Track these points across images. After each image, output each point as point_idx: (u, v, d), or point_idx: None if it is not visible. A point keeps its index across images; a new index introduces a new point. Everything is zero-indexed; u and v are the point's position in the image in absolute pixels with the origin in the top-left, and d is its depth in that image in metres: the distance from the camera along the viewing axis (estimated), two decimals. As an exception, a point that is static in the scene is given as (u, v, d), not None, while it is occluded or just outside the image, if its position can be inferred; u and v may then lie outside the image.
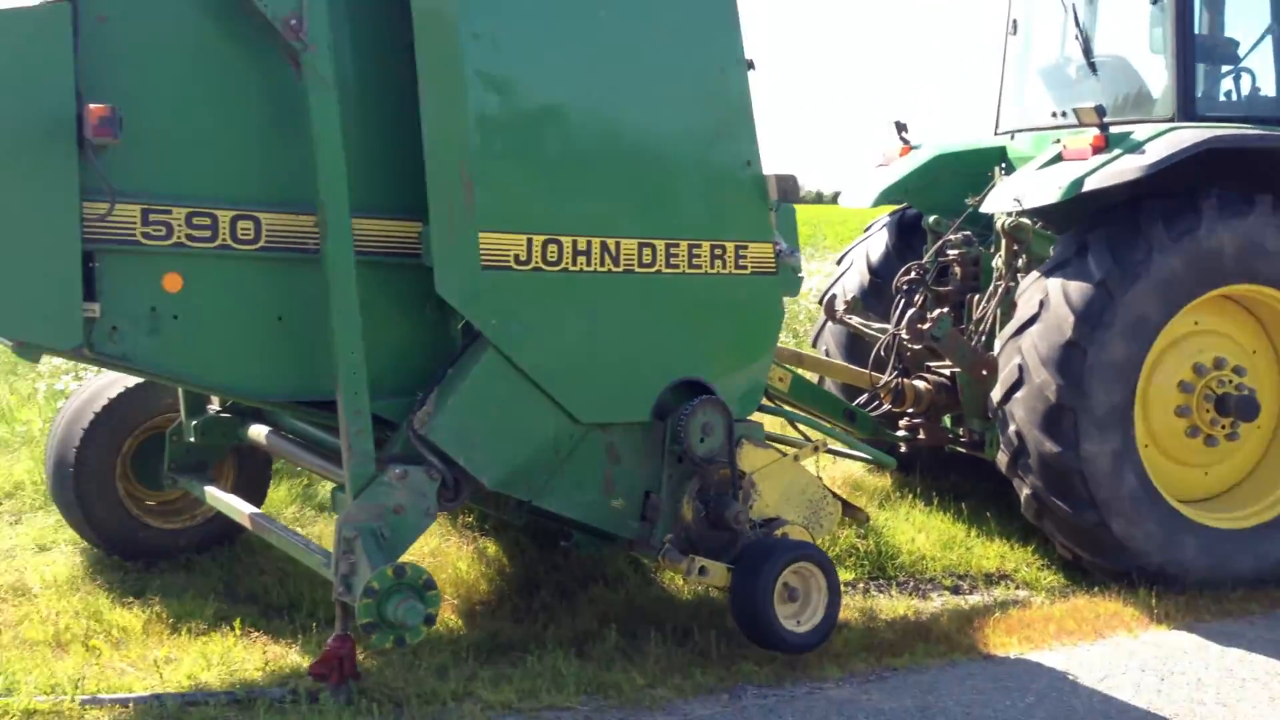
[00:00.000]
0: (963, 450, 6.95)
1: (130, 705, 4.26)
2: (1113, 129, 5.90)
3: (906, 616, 5.70)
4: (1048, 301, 5.77)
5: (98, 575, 5.48)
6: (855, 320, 6.97)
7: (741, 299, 4.87)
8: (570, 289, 4.49)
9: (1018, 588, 6.31)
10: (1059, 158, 6.00)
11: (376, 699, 4.32)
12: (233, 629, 4.93)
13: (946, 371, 6.76)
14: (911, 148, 7.39)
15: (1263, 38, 6.57)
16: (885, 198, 7.19)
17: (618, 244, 4.57)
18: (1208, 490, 6.31)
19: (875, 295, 7.25)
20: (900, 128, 7.43)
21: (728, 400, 4.80)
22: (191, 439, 5.47)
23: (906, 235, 7.46)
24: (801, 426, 6.11)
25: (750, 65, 4.73)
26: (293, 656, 4.77)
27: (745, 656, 4.91)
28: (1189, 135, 5.72)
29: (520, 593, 5.65)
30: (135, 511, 5.65)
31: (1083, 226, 5.90)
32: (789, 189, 4.88)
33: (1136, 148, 5.72)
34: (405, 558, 4.24)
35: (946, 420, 6.97)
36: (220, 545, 5.83)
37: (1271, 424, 6.32)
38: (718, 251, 4.78)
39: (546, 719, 4.34)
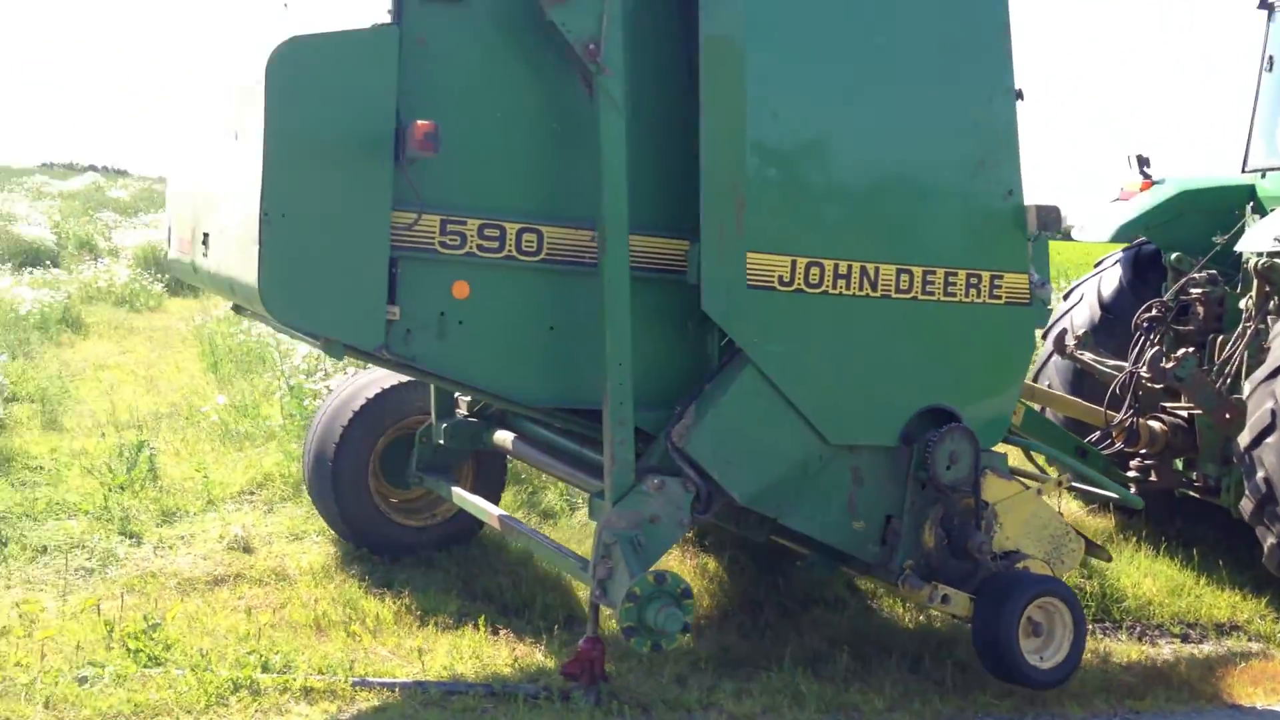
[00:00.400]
0: (1195, 495, 6.74)
1: (396, 690, 4.49)
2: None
3: (1140, 661, 5.57)
4: (1308, 345, 5.57)
5: (349, 566, 5.77)
6: (1087, 356, 6.84)
7: (994, 329, 4.86)
8: (829, 311, 4.57)
9: (1251, 639, 6.10)
10: (1322, 197, 5.80)
11: (625, 702, 4.45)
12: (477, 625, 5.13)
13: (1184, 413, 6.58)
14: (1153, 183, 7.22)
15: None
16: (1124, 233, 7.05)
17: (877, 269, 4.62)
18: None
19: (1106, 331, 7.09)
20: (1143, 162, 7.27)
21: (974, 429, 4.80)
22: (440, 441, 5.72)
23: (1142, 271, 7.28)
24: (1038, 459, 6.04)
25: (1019, 95, 4.73)
26: (538, 656, 4.95)
27: (982, 688, 4.88)
28: None
29: (744, 609, 5.72)
30: (383, 508, 5.93)
31: (1345, 269, 5.69)
32: (1050, 220, 4.86)
33: None
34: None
35: (1178, 463, 6.78)
36: (458, 544, 6.07)
37: None
38: (973, 280, 4.78)
39: (790, 735, 4.41)
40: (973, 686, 4.89)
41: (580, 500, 7.05)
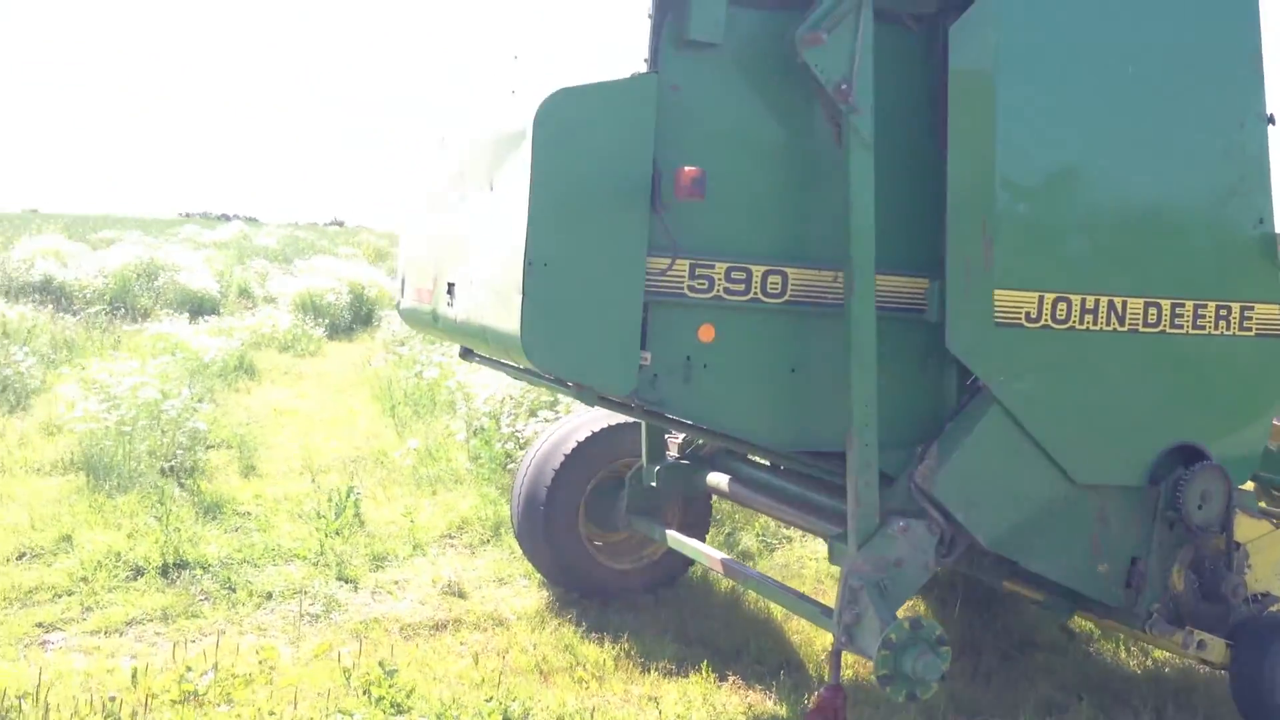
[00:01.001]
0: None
1: (637, 737, 4.46)
2: None
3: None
4: None
5: (561, 610, 5.78)
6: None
7: (1245, 362, 4.67)
8: (1076, 347, 4.43)
9: None
10: None
11: (875, 751, 4.35)
12: (700, 671, 5.07)
13: None
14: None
15: None
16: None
17: (1124, 303, 4.48)
18: None
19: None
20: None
21: (1224, 466, 4.61)
22: (652, 483, 5.71)
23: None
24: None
25: (1271, 120, 4.56)
26: (769, 703, 4.88)
27: (1238, 739, 4.66)
28: None
29: (963, 654, 5.57)
30: (592, 550, 5.94)
31: None
32: (1303, 247, 4.66)
33: None
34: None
35: None
36: (664, 587, 6.05)
37: None
38: (1223, 312, 4.61)
39: (1052, 787, 4.25)
40: (1225, 736, 4.69)
41: (777, 541, 7.00)
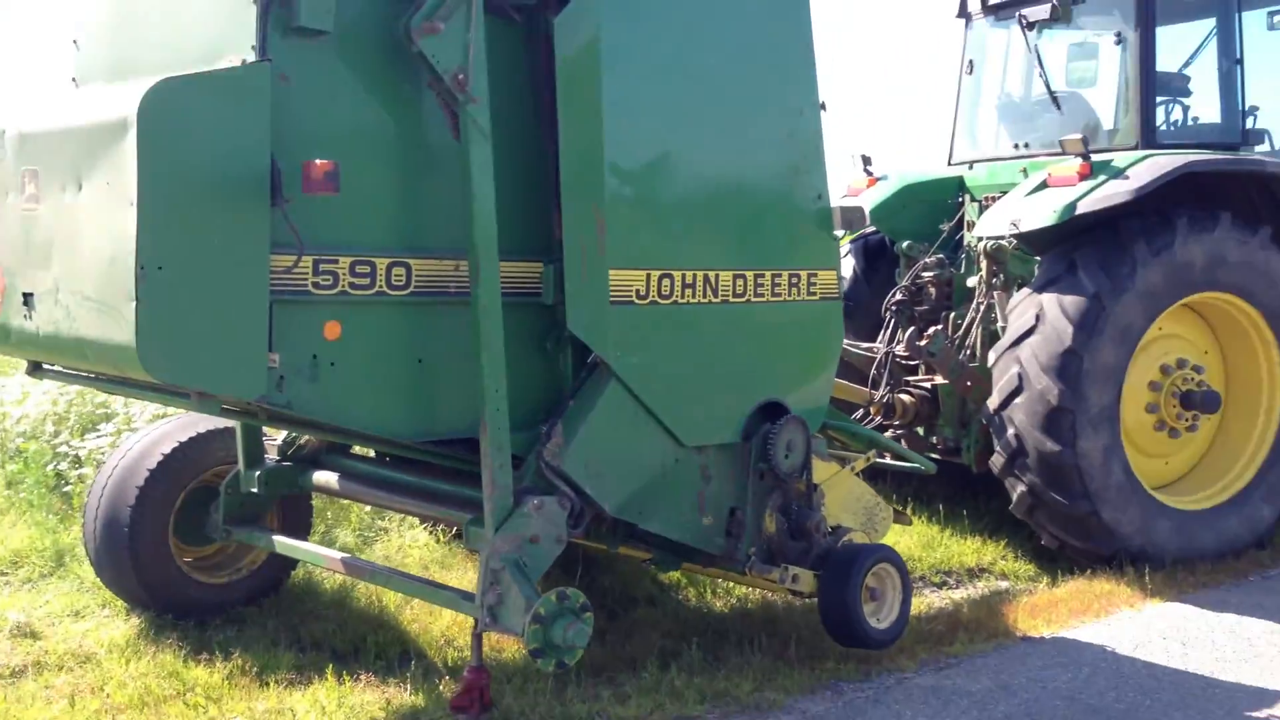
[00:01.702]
0: (937, 457, 7.44)
1: (284, 753, 4.27)
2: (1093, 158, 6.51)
3: (929, 610, 6.11)
4: (1044, 315, 6.31)
5: (156, 636, 5.34)
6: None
7: (813, 323, 5.21)
8: (678, 320, 4.74)
9: (997, 579, 6.82)
10: (1044, 185, 6.57)
11: (524, 721, 4.45)
12: (324, 675, 4.92)
13: (927, 385, 7.25)
14: (877, 179, 7.89)
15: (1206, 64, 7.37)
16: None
17: (716, 275, 4.85)
18: (1167, 478, 6.99)
19: (848, 317, 7.67)
20: (866, 160, 7.93)
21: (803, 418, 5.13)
22: (254, 489, 5.43)
23: (873, 260, 7.95)
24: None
25: (823, 106, 5.09)
26: (405, 695, 4.82)
27: (822, 657, 5.21)
28: (1166, 161, 6.39)
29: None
30: (185, 569, 5.56)
31: (1067, 247, 6.48)
32: (854, 219, 5.27)
33: (1119, 173, 6.35)
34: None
35: (920, 430, 7.46)
36: (265, 597, 5.78)
37: (1218, 417, 7.04)
38: (794, 280, 5.11)
39: (686, 728, 4.56)
40: (813, 656, 5.22)
41: (374, 534, 6.88)
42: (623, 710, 4.66)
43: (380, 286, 4.17)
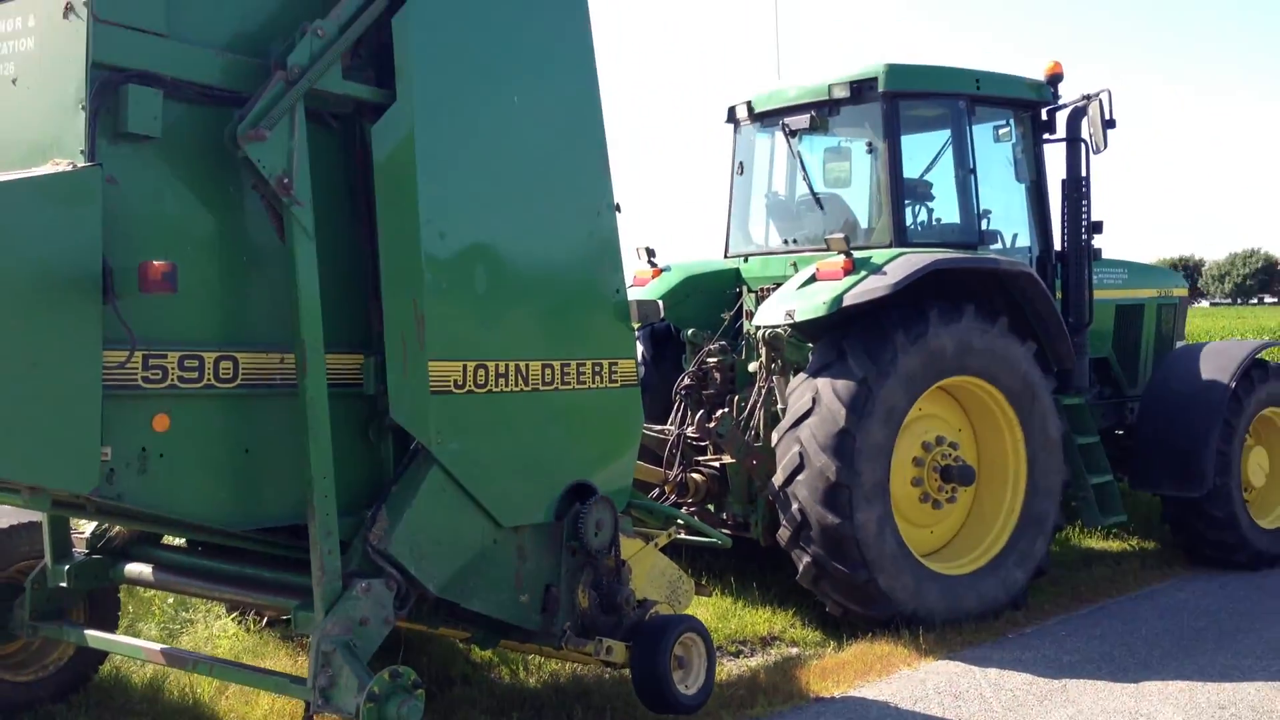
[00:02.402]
0: (728, 533, 7.93)
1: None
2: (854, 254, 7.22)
3: (729, 677, 6.54)
4: (819, 398, 6.92)
5: (-42, 737, 5.26)
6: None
7: (615, 408, 5.61)
8: (493, 408, 5.07)
9: (789, 645, 7.32)
10: (814, 278, 7.23)
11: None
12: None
13: (715, 464, 7.76)
14: (660, 270, 8.45)
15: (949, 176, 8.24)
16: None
17: (527, 365, 5.20)
18: (933, 545, 7.68)
19: (640, 401, 8.15)
20: (650, 253, 8.48)
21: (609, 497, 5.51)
22: (62, 583, 5.41)
23: (660, 346, 8.47)
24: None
25: (618, 208, 5.55)
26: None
27: (638, 724, 5.56)
28: (918, 259, 7.14)
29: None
30: (-9, 666, 5.47)
31: (836, 335, 7.13)
32: (649, 312, 5.74)
33: (878, 269, 7.06)
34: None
35: (710, 507, 7.95)
36: (74, 693, 5.73)
37: (973, 489, 7.80)
38: (597, 368, 5.51)
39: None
40: (628, 723, 5.57)
41: (179, 626, 6.85)
42: (451, 783, 4.87)
43: (208, 379, 4.36)
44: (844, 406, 6.85)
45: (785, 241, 8.48)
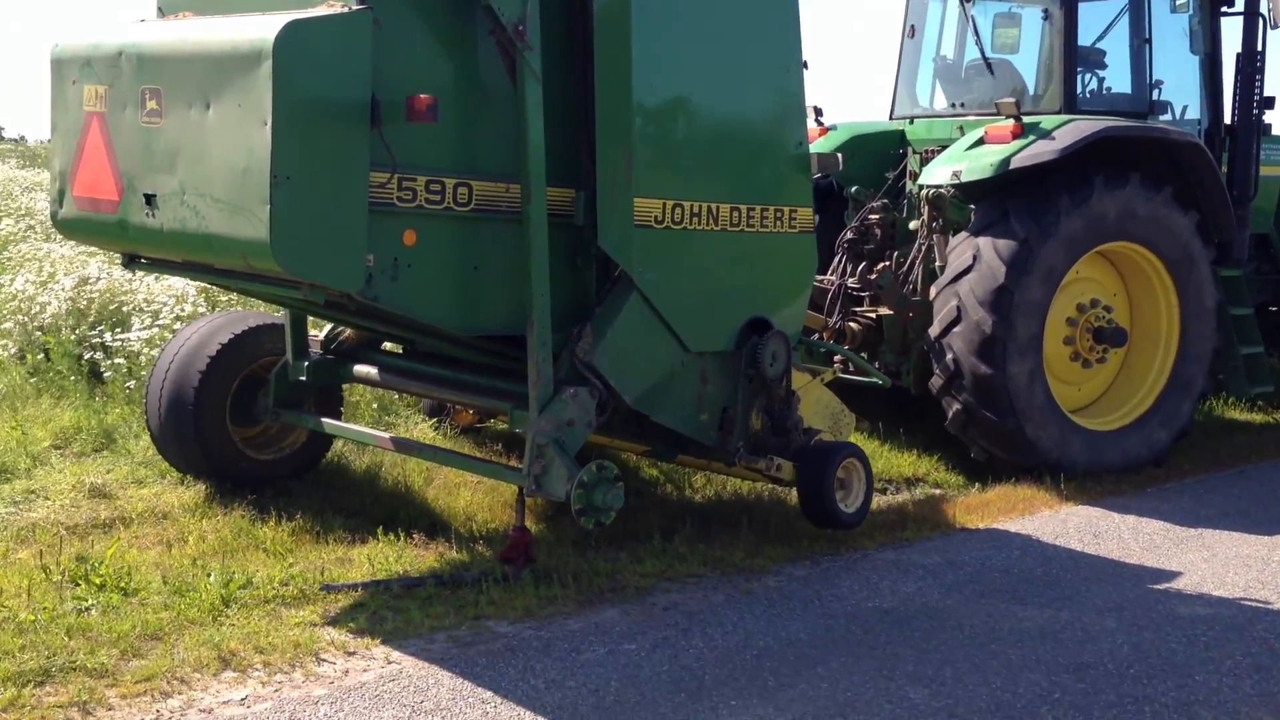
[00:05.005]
0: (850, 376, 8.33)
1: (359, 589, 5.12)
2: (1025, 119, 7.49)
3: (880, 507, 7.10)
4: (980, 255, 7.30)
5: (217, 501, 6.12)
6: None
7: (793, 252, 6.10)
8: (686, 243, 5.61)
9: (932, 487, 7.83)
10: (981, 141, 7.54)
11: (557, 576, 5.34)
12: (375, 537, 5.75)
13: (872, 315, 8.22)
14: (827, 129, 8.82)
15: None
16: (811, 172, 8.56)
17: (717, 207, 5.72)
18: (1080, 402, 8.05)
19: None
20: (818, 112, 8.83)
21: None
22: (301, 378, 6.22)
23: (823, 202, 8.85)
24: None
25: (805, 65, 5.96)
26: (452, 553, 5.67)
27: (798, 537, 6.17)
28: (1087, 126, 7.39)
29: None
30: (239, 445, 6.34)
31: (1000, 196, 7.46)
32: (829, 164, 6.19)
33: (1047, 134, 7.33)
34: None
35: (863, 355, 8.42)
36: (306, 472, 6.59)
37: (1124, 351, 8.13)
38: (779, 214, 5.99)
39: (690, 584, 5.50)
40: (788, 536, 6.19)
41: (383, 427, 7.66)
42: (640, 568, 5.59)
43: (448, 203, 4.99)
44: (1004, 264, 7.21)
45: (952, 105, 8.73)
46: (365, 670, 4.39)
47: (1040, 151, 7.24)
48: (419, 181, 4.90)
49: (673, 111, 5.52)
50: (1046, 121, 7.54)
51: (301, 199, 4.48)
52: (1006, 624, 5.16)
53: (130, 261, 5.54)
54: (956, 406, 7.52)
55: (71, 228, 5.39)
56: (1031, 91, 8.37)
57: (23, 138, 52.21)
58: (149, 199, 4.92)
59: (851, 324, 8.22)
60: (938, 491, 7.65)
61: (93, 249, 10.37)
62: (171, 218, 4.83)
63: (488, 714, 4.10)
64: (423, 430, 7.57)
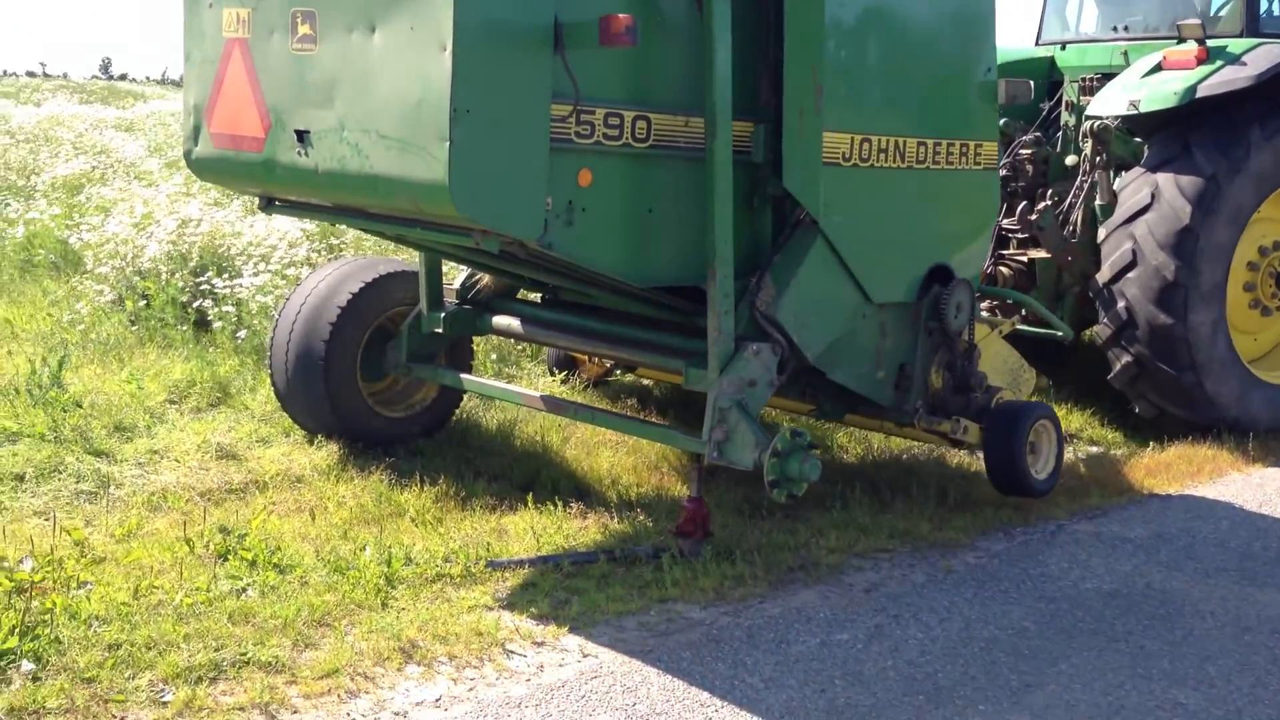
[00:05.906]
0: (1027, 328, 7.82)
1: (527, 567, 4.66)
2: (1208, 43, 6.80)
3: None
4: (1160, 193, 6.67)
5: (349, 463, 5.68)
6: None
7: (977, 190, 5.53)
8: (873, 183, 5.05)
9: (1090, 444, 7.25)
10: (1159, 67, 6.87)
11: (740, 552, 4.86)
12: (524, 505, 5.29)
13: (1023, 258, 7.62)
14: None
15: None
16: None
17: (904, 141, 5.14)
18: (1255, 353, 7.43)
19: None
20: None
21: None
22: (437, 329, 5.73)
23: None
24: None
25: None
26: (615, 524, 5.19)
27: (982, 505, 5.65)
28: (1280, 50, 6.70)
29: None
30: (368, 401, 5.88)
31: (1180, 129, 6.81)
32: (1019, 91, 5.58)
33: (1236, 59, 6.66)
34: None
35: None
36: (437, 430, 6.13)
37: (1307, 298, 7.47)
38: (964, 149, 5.41)
39: (883, 560, 5.01)
40: (967, 504, 5.67)
41: (510, 374, 7.19)
42: (825, 542, 5.09)
43: (627, 138, 4.44)
44: (1188, 203, 6.59)
45: (1115, 29, 8.02)
46: (561, 665, 3.93)
47: (1231, 78, 6.57)
48: (597, 114, 4.35)
49: (865, 32, 4.93)
50: (1234, 46, 6.85)
51: (483, 135, 3.95)
52: (1251, 610, 4.63)
53: (268, 204, 5.06)
54: (1127, 358, 6.93)
55: (207, 168, 4.90)
56: (1210, 14, 7.65)
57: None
58: (301, 136, 4.41)
59: (1002, 268, 7.64)
60: (1095, 449, 7.09)
61: (189, 190, 9.92)
62: (328, 156, 4.33)
63: (709, 719, 3.63)
64: (547, 384, 7.10)
